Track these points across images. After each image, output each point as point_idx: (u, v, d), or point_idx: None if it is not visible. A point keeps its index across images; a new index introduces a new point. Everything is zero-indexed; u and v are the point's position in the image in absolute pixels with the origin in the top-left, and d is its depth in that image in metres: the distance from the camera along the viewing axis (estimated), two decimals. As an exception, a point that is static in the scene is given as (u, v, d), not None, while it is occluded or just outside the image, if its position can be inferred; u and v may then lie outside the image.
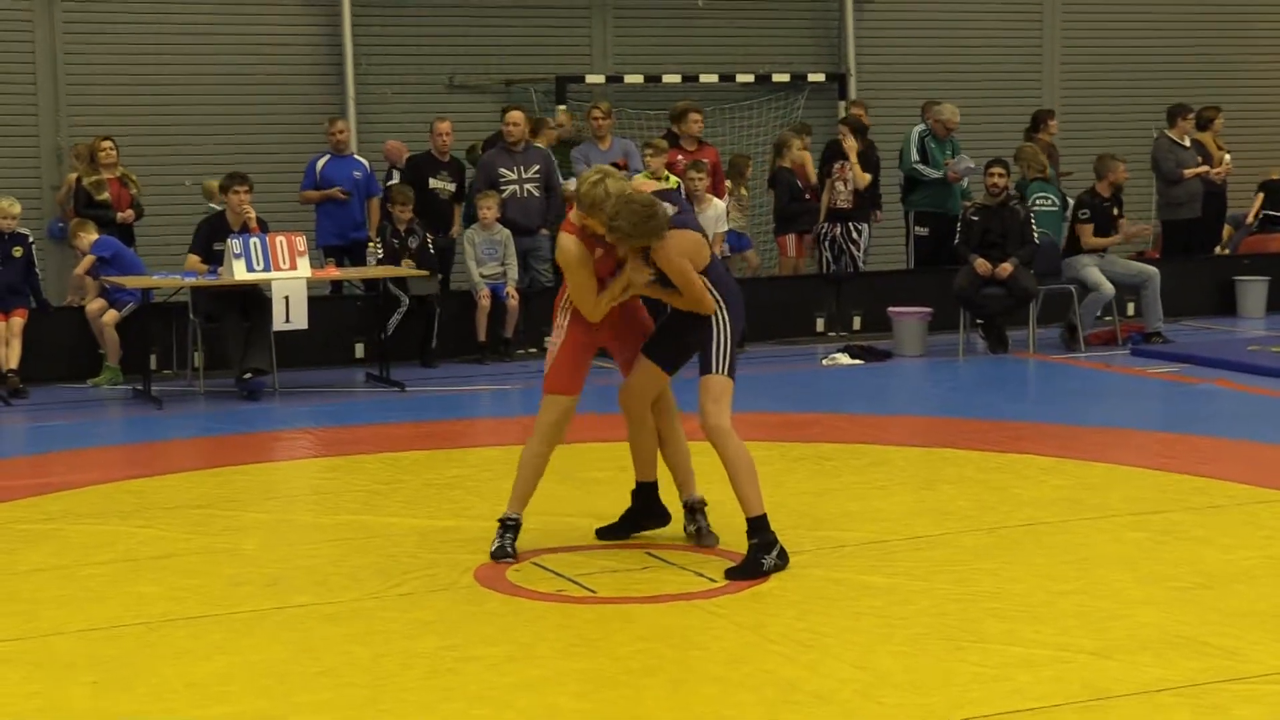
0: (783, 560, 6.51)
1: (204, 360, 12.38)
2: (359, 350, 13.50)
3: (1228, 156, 16.43)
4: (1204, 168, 15.84)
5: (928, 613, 5.99)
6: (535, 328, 13.97)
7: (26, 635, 5.89)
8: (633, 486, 7.23)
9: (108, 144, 13.45)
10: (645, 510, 7.21)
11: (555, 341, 6.98)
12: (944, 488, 8.25)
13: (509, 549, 6.86)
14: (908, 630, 5.78)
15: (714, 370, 6.66)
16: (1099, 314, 13.97)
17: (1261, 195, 17.70)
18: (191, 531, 7.54)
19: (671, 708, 5.03)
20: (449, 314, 13.53)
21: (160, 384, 12.20)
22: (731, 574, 6.46)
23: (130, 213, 13.45)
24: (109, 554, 7.11)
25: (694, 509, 7.09)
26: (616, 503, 7.96)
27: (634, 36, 17.15)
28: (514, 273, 13.71)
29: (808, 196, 14.93)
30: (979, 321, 13.69)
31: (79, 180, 13.46)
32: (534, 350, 13.98)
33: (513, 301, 13.56)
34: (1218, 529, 7.25)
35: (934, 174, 15.16)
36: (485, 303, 13.47)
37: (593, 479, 8.61)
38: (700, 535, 7.04)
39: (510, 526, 6.93)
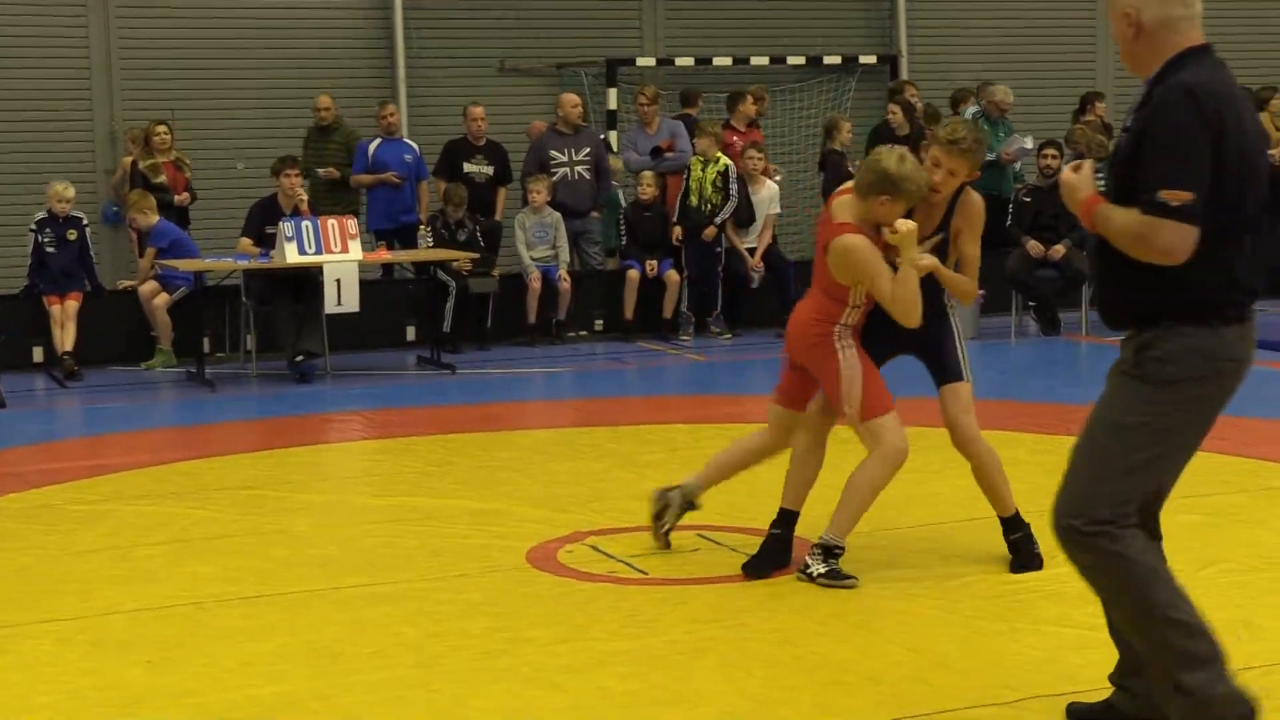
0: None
1: (256, 343, 12.44)
2: (410, 333, 13.55)
3: None
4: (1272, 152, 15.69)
5: (981, 595, 5.97)
6: (585, 310, 14.00)
7: (82, 614, 5.94)
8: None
9: (162, 128, 13.53)
10: (786, 546, 6.42)
11: (845, 373, 6.22)
12: (997, 470, 8.19)
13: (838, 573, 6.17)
14: (961, 613, 5.76)
15: (963, 377, 6.42)
16: None
17: None
18: (244, 513, 7.58)
19: (722, 689, 5.02)
20: (500, 297, 13.55)
21: (213, 367, 12.28)
22: (1015, 568, 6.31)
23: (186, 195, 13.54)
24: (162, 535, 7.16)
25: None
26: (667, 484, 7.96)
27: (685, 18, 17.11)
28: (565, 255, 13.72)
29: None
30: (1031, 304, 13.61)
31: (134, 164, 13.55)
32: (584, 333, 14.01)
33: (564, 284, 13.57)
34: (1273, 511, 7.19)
35: (988, 156, 15.07)
36: (536, 285, 13.48)
37: (645, 461, 8.61)
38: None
39: (835, 554, 6.20)
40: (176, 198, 13.39)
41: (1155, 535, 4.51)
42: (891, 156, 6.12)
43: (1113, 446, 4.26)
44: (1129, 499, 4.26)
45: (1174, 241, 4.00)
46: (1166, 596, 4.24)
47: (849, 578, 6.10)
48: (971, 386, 6.43)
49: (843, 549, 6.19)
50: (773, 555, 6.32)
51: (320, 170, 13.88)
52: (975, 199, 6.42)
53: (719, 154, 13.71)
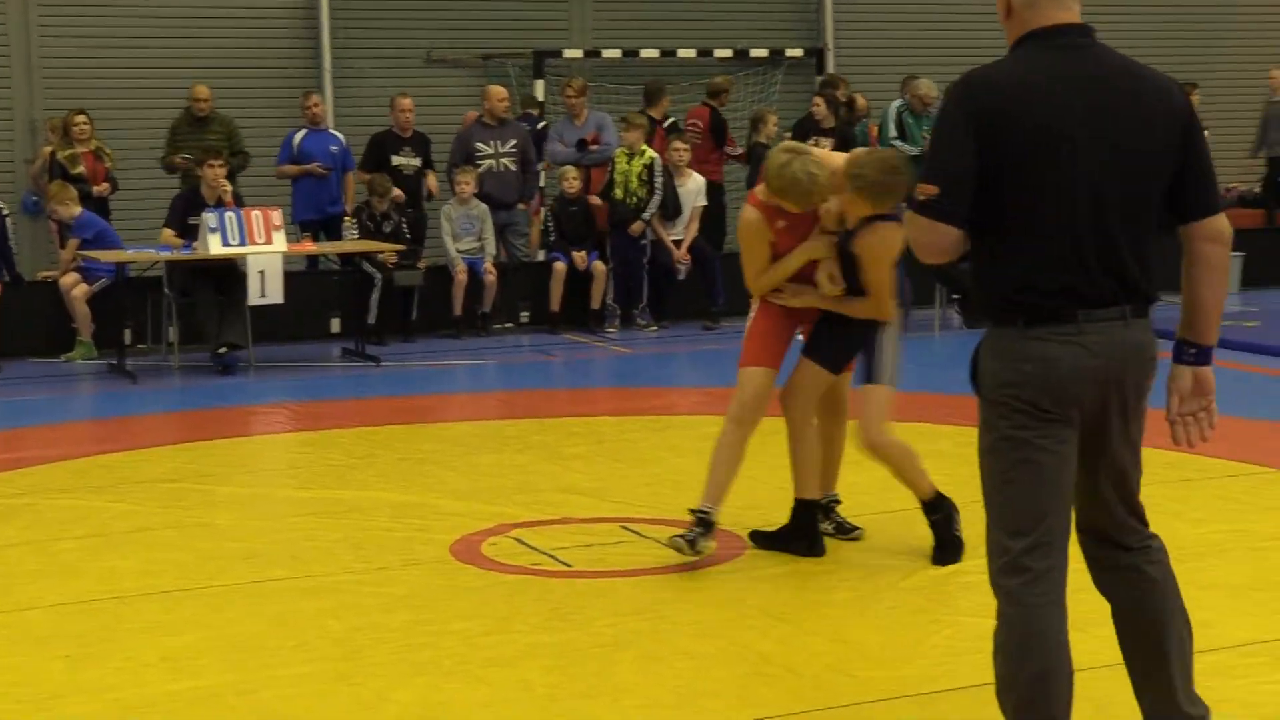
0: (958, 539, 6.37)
1: (179, 335, 12.34)
2: (335, 325, 13.48)
3: (1206, 132, 16.46)
4: None
5: (901, 587, 6.02)
6: (511, 303, 13.99)
7: (0, 610, 5.88)
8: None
9: (81, 118, 13.38)
10: (798, 532, 6.52)
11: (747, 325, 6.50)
12: (919, 462, 8.25)
13: (695, 544, 6.20)
14: (881, 604, 5.80)
15: (880, 380, 6.38)
16: None
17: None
18: (165, 506, 7.52)
19: (644, 682, 5.03)
20: (425, 289, 13.51)
21: (135, 359, 12.17)
22: (935, 556, 6.32)
23: (106, 185, 13.40)
24: (82, 529, 7.10)
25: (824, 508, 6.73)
26: (592, 478, 7.99)
27: (612, 11, 17.10)
28: (491, 248, 13.71)
29: None
30: (955, 296, 13.71)
31: (53, 154, 13.40)
32: (510, 326, 13.99)
33: (490, 277, 13.55)
34: (1190, 503, 7.28)
35: (912, 150, 15.15)
36: (462, 278, 13.46)
37: (570, 454, 8.61)
38: (841, 530, 6.76)
39: (703, 521, 6.24)
40: (95, 188, 13.25)
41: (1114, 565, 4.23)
42: (775, 160, 6.13)
43: (983, 481, 4.04)
44: (1006, 547, 3.93)
45: (921, 238, 3.82)
46: (1004, 673, 4.01)
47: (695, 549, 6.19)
48: (888, 390, 6.42)
49: (706, 513, 6.25)
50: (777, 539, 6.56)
51: (178, 159, 13.58)
52: (875, 236, 6.24)
53: (645, 147, 13.72)
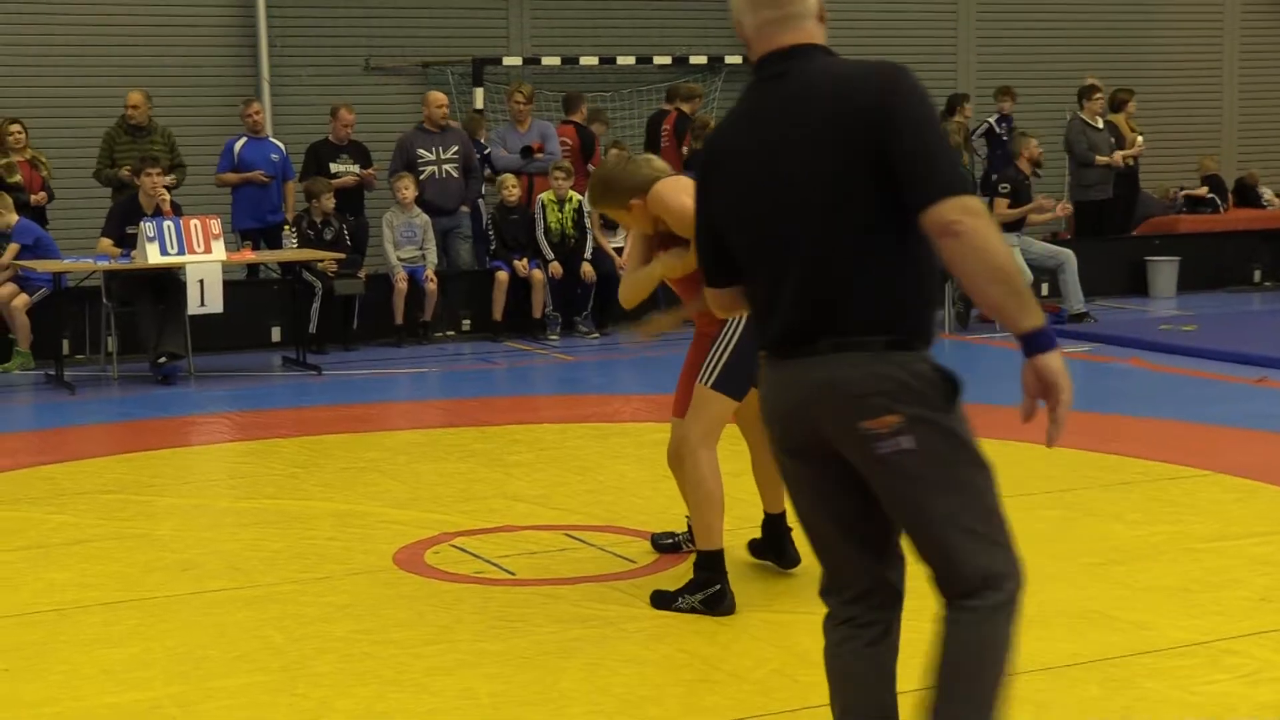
0: (710, 606, 5.70)
1: (118, 345, 12.24)
2: (275, 334, 13.42)
3: (1140, 138, 16.65)
4: (1117, 155, 16.04)
5: (843, 591, 6.03)
6: (452, 311, 13.96)
7: (-64, 623, 5.83)
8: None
9: (16, 127, 13.27)
10: (770, 545, 6.38)
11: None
12: (860, 467, 8.29)
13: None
14: (822, 610, 5.80)
15: (702, 380, 5.82)
16: None
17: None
18: (105, 517, 7.47)
19: (589, 690, 5.04)
20: (366, 297, 13.46)
21: (73, 369, 12.08)
22: (654, 598, 5.85)
23: (43, 195, 13.29)
24: (20, 540, 7.04)
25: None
26: (535, 485, 7.99)
27: (551, 18, 17.11)
28: (433, 256, 13.68)
29: None
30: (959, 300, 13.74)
31: None
32: (451, 333, 13.97)
33: (431, 285, 13.52)
34: (1128, 505, 7.35)
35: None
36: (403, 285, 13.42)
37: (513, 461, 8.61)
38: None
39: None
40: (33, 197, 13.13)
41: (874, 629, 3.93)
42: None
43: None
44: (823, 587, 3.84)
45: (709, 300, 3.87)
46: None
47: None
48: (707, 391, 5.83)
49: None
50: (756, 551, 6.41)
51: (124, 172, 13.41)
52: (651, 195, 5.77)
53: (572, 193, 13.82)
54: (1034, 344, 3.47)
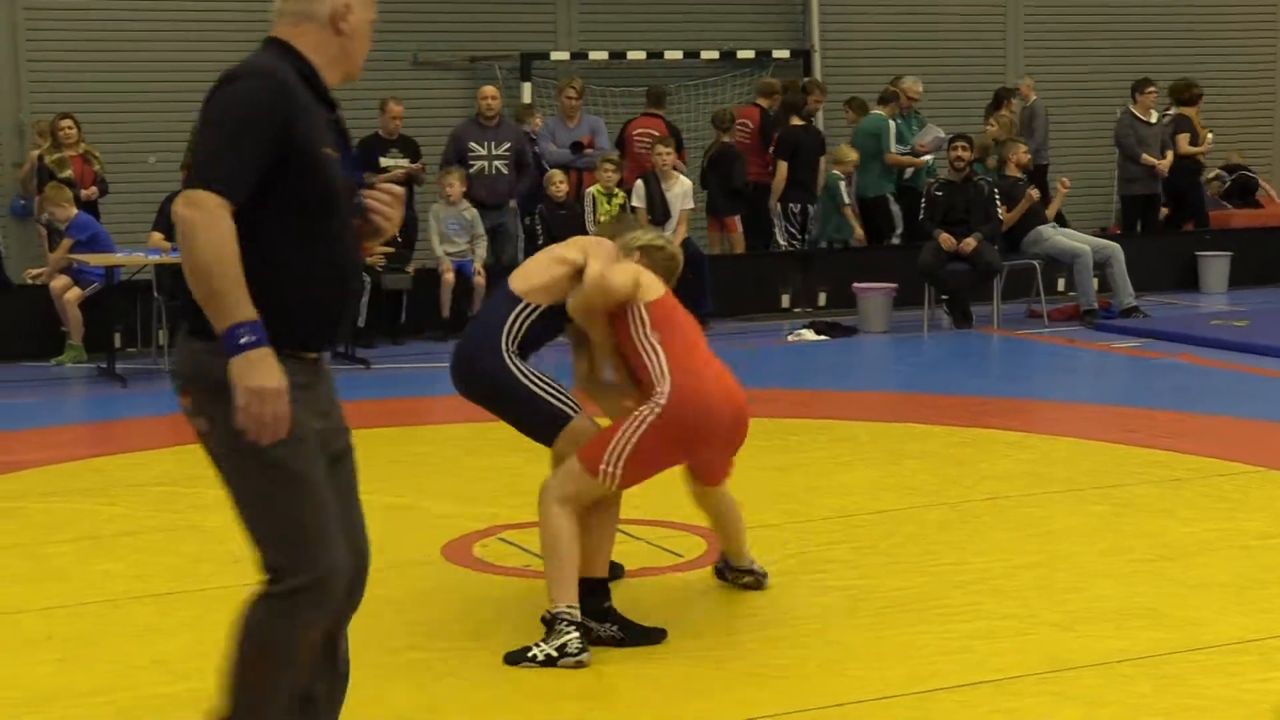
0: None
1: (169, 338, 12.32)
2: (324, 327, 13.45)
3: (1210, 135, 16.53)
4: (1165, 161, 15.93)
5: (891, 586, 6.02)
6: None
7: (-10, 613, 5.89)
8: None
9: (67, 122, 13.37)
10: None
11: None
12: (908, 462, 8.29)
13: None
14: (872, 604, 5.81)
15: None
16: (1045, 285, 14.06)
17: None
18: (155, 509, 7.52)
19: (635, 683, 5.04)
20: (414, 291, 13.50)
21: (124, 362, 12.16)
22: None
23: (94, 189, 13.39)
24: (72, 532, 7.10)
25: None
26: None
27: (599, 12, 17.11)
28: (482, 250, 13.71)
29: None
30: (944, 297, 13.73)
31: (40, 158, 13.38)
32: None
33: (479, 279, 13.54)
34: (1179, 502, 7.31)
35: (902, 149, 15.27)
36: (449, 279, 13.45)
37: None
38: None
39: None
40: (84, 192, 13.24)
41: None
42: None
43: None
44: None
45: None
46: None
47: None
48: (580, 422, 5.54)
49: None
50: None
51: None
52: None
53: (617, 188, 13.84)
54: (224, 345, 3.54)
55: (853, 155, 14.97)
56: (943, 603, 5.80)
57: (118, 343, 12.27)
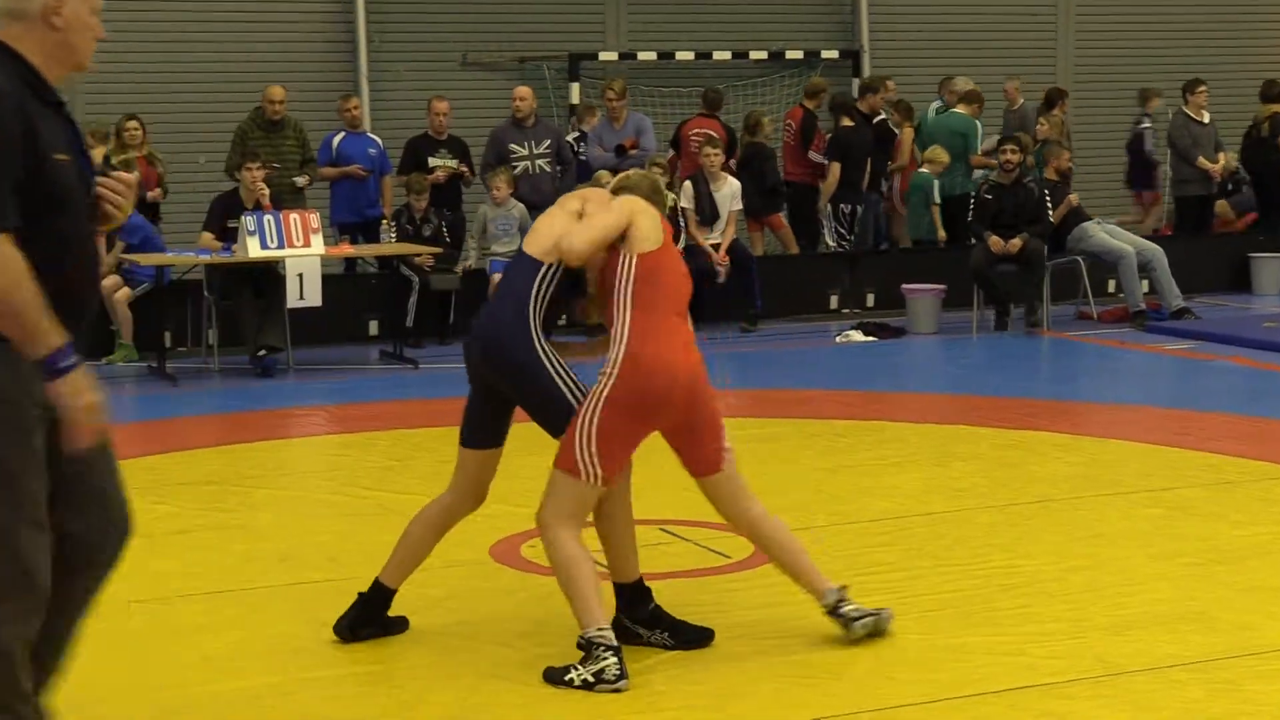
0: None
1: (218, 338, 12.40)
2: (373, 327, 13.52)
3: None
4: (1218, 163, 15.82)
5: (941, 589, 6.00)
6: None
7: (42, 611, 5.92)
8: None
9: (133, 123, 13.46)
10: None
11: None
12: (957, 464, 8.26)
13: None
14: (920, 606, 5.79)
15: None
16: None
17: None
18: (206, 507, 7.57)
19: (683, 684, 5.04)
20: (463, 291, 13.52)
21: (175, 361, 12.23)
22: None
23: (159, 191, 13.49)
24: (124, 530, 7.13)
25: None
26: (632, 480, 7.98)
27: (647, 13, 17.12)
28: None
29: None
30: (1009, 306, 13.53)
31: (107, 159, 13.48)
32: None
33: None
34: (1230, 505, 7.25)
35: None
36: (496, 278, 13.48)
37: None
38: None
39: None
40: (149, 194, 13.34)
41: None
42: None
43: None
44: None
45: None
46: None
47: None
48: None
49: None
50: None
51: (298, 180, 13.60)
52: None
53: (668, 192, 13.82)
54: (46, 370, 3.75)
55: (945, 156, 14.90)
56: (992, 606, 5.77)
57: (168, 342, 12.34)
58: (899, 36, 17.83)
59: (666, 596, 5.95)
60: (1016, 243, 13.16)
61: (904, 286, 13.87)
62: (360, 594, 5.58)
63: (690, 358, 5.30)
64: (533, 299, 5.39)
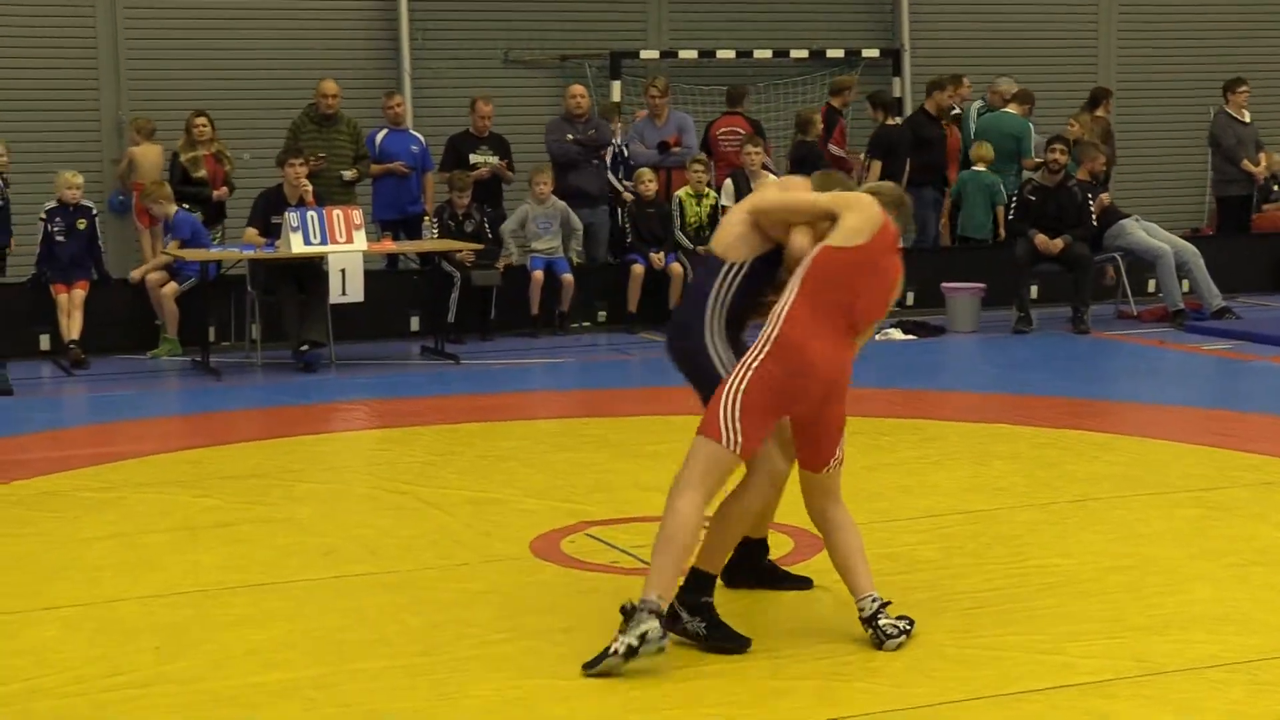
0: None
1: (261, 332, 12.47)
2: (414, 323, 13.59)
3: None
4: (1261, 164, 15.75)
5: (980, 588, 6.01)
6: (589, 302, 14.04)
7: (90, 601, 5.99)
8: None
9: (202, 119, 13.54)
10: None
11: None
12: (997, 463, 8.26)
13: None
14: (959, 604, 5.80)
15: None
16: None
17: None
18: (249, 501, 7.63)
19: (723, 680, 5.06)
20: (504, 288, 13.57)
21: (218, 356, 12.32)
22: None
23: (225, 190, 13.57)
24: (168, 522, 7.21)
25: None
26: (669, 476, 7.99)
27: (688, 11, 17.12)
28: (577, 243, 13.83)
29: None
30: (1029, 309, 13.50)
31: (175, 156, 13.57)
32: (586, 325, 14.04)
33: (568, 276, 13.59)
34: (1272, 506, 7.23)
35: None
36: (538, 275, 13.53)
37: (648, 452, 8.65)
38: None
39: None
40: (215, 192, 13.43)
41: None
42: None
43: None
44: None
45: None
46: None
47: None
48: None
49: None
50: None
51: (345, 173, 13.68)
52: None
53: (707, 189, 13.89)
54: None
55: (990, 153, 14.83)
56: (1031, 605, 5.78)
57: (212, 336, 12.42)
58: (940, 36, 17.78)
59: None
60: (1058, 243, 13.15)
61: (944, 285, 13.85)
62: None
63: (838, 358, 5.35)
64: (713, 294, 5.51)
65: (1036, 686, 4.95)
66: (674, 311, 5.74)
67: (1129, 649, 5.27)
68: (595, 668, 5.08)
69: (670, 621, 5.24)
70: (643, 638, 5.04)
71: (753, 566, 6.01)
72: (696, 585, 5.42)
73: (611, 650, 5.06)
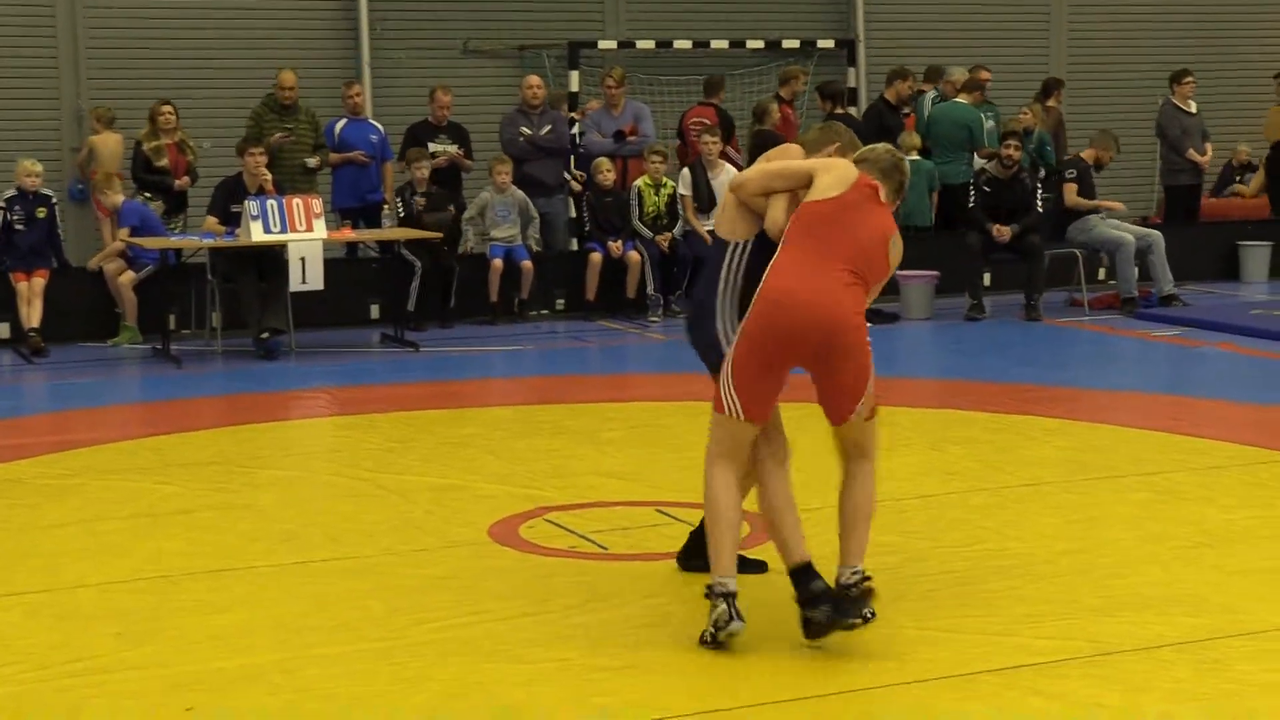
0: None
1: (222, 320, 12.48)
2: (374, 311, 13.61)
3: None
4: (1206, 155, 15.92)
5: (936, 570, 6.09)
6: (547, 290, 14.09)
7: (50, 587, 6.01)
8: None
9: (167, 108, 13.50)
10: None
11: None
12: (951, 448, 8.35)
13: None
14: (918, 588, 5.88)
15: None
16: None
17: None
18: (210, 488, 7.65)
19: (680, 663, 5.12)
20: (463, 275, 13.61)
21: (179, 343, 12.31)
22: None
23: (186, 179, 13.54)
24: (130, 509, 7.23)
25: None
26: (627, 462, 8.10)
27: (646, 2, 17.16)
28: (535, 231, 13.86)
29: None
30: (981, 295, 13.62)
31: (139, 145, 13.53)
32: (545, 313, 14.08)
33: (527, 264, 13.64)
34: (1219, 489, 7.34)
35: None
36: (498, 264, 13.57)
37: (605, 439, 8.72)
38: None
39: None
40: (177, 181, 13.40)
41: None
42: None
43: None
44: None
45: None
46: None
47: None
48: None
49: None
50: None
51: (309, 160, 13.70)
52: None
53: (665, 179, 13.96)
54: None
55: (918, 142, 14.93)
56: (987, 588, 5.86)
57: (172, 324, 12.42)
58: (895, 27, 17.87)
59: (664, 575, 6.06)
60: (1007, 231, 13.34)
61: (897, 273, 13.88)
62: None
63: (831, 301, 5.33)
64: (723, 275, 5.55)
65: (990, 667, 5.03)
66: (692, 290, 5.77)
67: (1081, 630, 5.35)
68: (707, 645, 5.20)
69: (827, 624, 5.19)
70: (715, 624, 5.20)
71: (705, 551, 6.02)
72: (800, 582, 5.32)
73: (702, 639, 5.22)
